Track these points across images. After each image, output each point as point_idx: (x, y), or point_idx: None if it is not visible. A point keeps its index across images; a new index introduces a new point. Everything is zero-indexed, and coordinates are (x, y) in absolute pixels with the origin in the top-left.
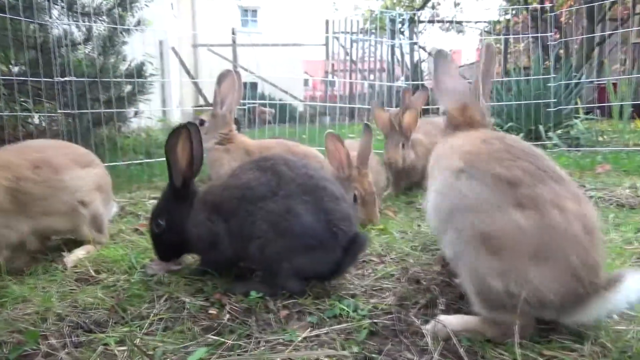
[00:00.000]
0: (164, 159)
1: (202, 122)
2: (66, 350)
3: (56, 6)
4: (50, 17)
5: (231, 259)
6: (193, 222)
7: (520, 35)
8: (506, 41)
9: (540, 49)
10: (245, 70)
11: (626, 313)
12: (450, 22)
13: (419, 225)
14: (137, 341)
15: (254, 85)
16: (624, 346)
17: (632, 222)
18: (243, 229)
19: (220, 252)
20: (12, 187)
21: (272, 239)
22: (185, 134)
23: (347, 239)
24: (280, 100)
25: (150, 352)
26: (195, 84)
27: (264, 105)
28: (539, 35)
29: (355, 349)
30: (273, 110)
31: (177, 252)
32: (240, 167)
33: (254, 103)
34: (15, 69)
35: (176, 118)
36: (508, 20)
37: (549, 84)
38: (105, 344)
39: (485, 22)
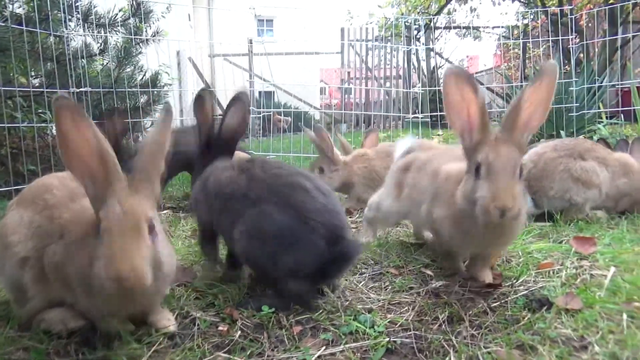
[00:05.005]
0: None
1: None
2: None
3: (72, 18)
4: (67, 29)
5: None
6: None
7: (540, 39)
8: (524, 45)
9: (560, 52)
10: (261, 79)
11: None
12: (467, 27)
13: None
14: None
15: (269, 94)
16: None
17: None
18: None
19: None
20: None
21: (255, 244)
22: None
23: (330, 230)
24: (296, 108)
25: None
26: (212, 93)
27: (280, 113)
28: (559, 38)
29: None
30: (289, 119)
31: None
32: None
33: (269, 111)
34: (35, 81)
35: None
36: (526, 25)
37: (571, 88)
38: None
39: (502, 27)
